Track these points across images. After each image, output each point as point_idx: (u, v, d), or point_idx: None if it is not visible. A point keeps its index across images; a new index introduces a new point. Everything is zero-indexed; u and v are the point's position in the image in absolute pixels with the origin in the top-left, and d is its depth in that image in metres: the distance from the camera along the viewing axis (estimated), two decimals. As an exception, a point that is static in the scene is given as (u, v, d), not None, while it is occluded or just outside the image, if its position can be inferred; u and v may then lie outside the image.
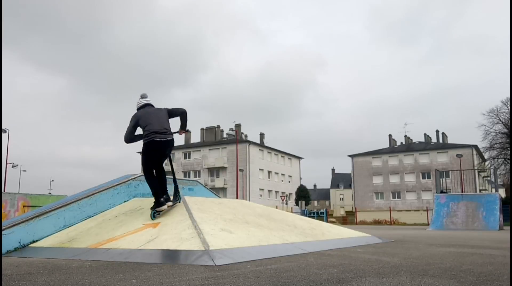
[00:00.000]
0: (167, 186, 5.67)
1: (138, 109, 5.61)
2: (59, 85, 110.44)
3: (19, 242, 4.81)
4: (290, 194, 63.05)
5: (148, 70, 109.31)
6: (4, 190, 25.73)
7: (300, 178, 69.45)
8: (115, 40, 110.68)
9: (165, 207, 5.27)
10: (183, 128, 5.72)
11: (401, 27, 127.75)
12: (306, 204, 49.01)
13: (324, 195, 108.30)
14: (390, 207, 43.26)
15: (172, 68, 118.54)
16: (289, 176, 66.63)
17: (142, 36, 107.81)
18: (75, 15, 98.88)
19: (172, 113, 5.59)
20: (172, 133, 5.52)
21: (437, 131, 64.77)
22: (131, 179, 6.73)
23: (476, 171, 48.90)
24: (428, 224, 21.72)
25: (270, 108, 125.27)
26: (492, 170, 28.10)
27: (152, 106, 5.65)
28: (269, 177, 61.77)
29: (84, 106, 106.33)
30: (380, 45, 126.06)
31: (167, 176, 5.84)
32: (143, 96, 5.67)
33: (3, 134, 35.33)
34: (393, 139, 65.91)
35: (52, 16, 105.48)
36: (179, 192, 5.69)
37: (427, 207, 35.84)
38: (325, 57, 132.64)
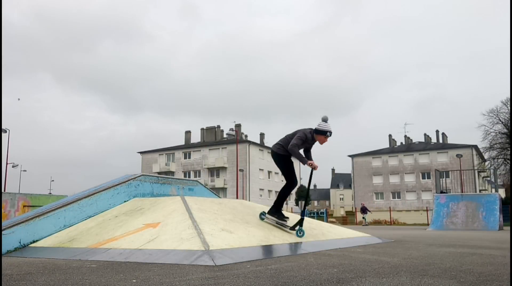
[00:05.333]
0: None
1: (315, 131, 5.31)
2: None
3: (20, 242, 4.81)
4: (290, 194, 63.04)
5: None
6: (4, 190, 25.74)
7: (300, 178, 69.46)
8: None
9: (273, 219, 5.54)
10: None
11: (403, 27, 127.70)
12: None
13: (324, 195, 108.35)
14: (390, 207, 43.31)
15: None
16: (289, 176, 66.56)
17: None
18: None
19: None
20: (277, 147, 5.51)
21: (437, 131, 64.84)
22: (131, 179, 6.73)
23: (476, 171, 48.92)
24: (428, 224, 21.73)
25: (270, 107, 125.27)
26: (492, 170, 28.11)
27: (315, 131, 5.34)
28: (269, 177, 61.77)
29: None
30: (380, 43, 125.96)
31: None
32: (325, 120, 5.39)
33: (3, 134, 35.34)
34: (393, 139, 65.93)
35: None
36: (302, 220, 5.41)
37: (427, 207, 35.87)
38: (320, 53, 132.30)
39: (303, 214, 5.43)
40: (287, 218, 5.60)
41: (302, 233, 5.26)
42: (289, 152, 5.34)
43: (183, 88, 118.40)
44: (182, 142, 66.66)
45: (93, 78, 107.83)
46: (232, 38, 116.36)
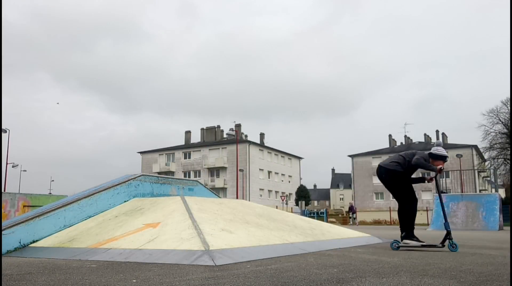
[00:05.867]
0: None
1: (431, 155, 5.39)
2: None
3: (19, 242, 4.81)
4: (290, 194, 63.05)
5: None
6: (4, 190, 25.73)
7: (300, 178, 69.47)
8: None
9: (414, 243, 5.28)
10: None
11: (403, 26, 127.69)
12: (306, 204, 49.03)
13: (324, 195, 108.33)
14: (390, 207, 43.20)
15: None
16: (289, 176, 66.64)
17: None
18: None
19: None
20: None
21: (437, 131, 64.85)
22: (131, 179, 6.73)
23: (476, 171, 48.92)
24: (428, 224, 21.74)
25: (270, 107, 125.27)
26: (492, 170, 28.13)
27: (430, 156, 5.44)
28: (269, 177, 61.77)
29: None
30: (379, 42, 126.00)
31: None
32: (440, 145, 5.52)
33: (3, 134, 35.35)
34: (393, 139, 65.96)
35: None
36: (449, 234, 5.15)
37: (427, 207, 35.85)
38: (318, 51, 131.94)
39: (447, 226, 5.22)
40: None
41: (455, 246, 5.05)
42: (407, 169, 5.44)
43: (183, 87, 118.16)
44: (182, 142, 66.70)
45: (92, 78, 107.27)
46: (231, 37, 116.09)
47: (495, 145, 40.64)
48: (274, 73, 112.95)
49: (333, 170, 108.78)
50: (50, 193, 27.17)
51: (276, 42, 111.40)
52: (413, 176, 5.64)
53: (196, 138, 66.59)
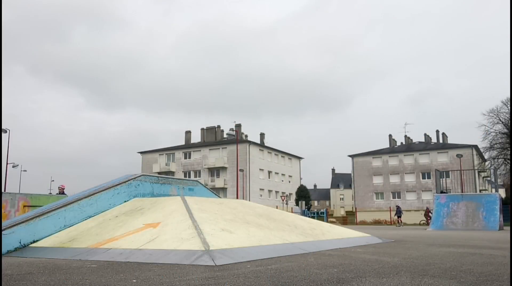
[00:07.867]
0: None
1: None
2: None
3: (20, 242, 4.81)
4: (290, 194, 63.04)
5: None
6: (4, 190, 25.74)
7: (300, 178, 69.45)
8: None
9: None
10: None
11: (402, 25, 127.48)
12: (306, 204, 49.03)
13: (324, 195, 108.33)
14: (390, 207, 43.22)
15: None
16: (289, 176, 66.61)
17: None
18: None
19: None
20: None
21: (437, 131, 64.83)
22: (131, 179, 6.73)
23: (476, 171, 48.91)
24: (428, 224, 21.73)
25: (272, 106, 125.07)
26: (492, 170, 28.09)
27: None
28: (269, 177, 61.76)
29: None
30: (379, 42, 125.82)
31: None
32: None
33: (3, 134, 35.35)
34: (393, 139, 65.95)
35: None
36: None
37: (427, 207, 35.88)
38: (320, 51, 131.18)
39: None
40: None
41: None
42: None
43: (185, 86, 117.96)
44: (182, 142, 66.71)
45: (91, 77, 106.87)
46: (212, 27, 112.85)
47: (495, 145, 40.64)
48: (261, 66, 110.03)
49: (333, 170, 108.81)
50: (50, 193, 27.16)
51: (262, 31, 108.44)
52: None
53: (196, 138, 66.64)
